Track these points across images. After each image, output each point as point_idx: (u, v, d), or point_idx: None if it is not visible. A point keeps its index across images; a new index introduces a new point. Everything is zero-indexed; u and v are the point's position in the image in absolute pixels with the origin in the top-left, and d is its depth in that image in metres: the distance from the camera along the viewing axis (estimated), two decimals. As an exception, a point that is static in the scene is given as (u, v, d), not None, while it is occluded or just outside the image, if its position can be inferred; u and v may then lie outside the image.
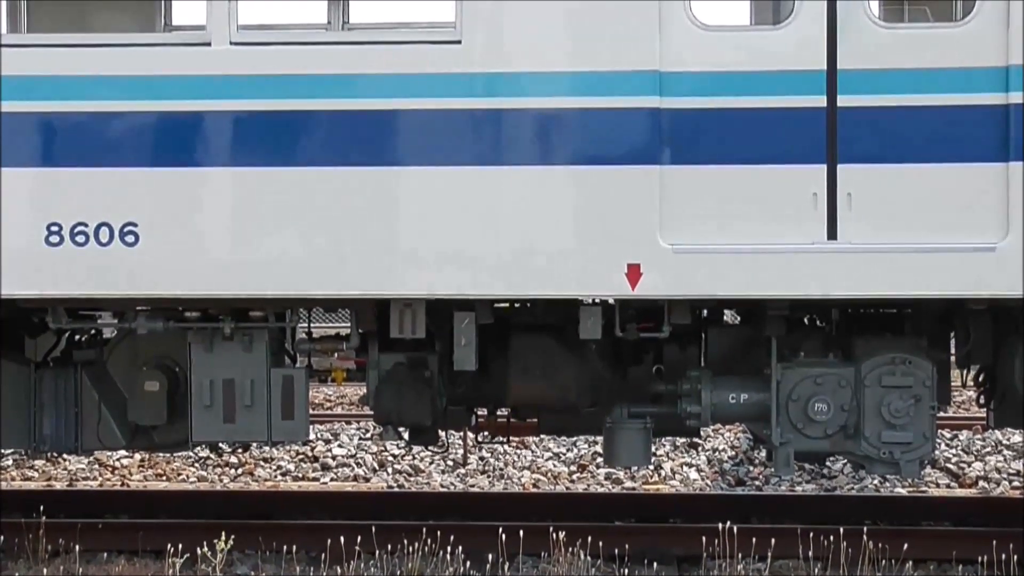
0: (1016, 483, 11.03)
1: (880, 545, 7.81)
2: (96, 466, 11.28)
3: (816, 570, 8.07)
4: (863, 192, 7.09)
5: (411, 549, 7.87)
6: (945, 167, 7.09)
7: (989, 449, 11.89)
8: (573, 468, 11.24)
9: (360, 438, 11.83)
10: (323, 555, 8.01)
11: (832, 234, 7.13)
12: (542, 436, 11.08)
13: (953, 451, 11.74)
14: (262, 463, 11.26)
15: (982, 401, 8.46)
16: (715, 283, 7.12)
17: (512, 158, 7.13)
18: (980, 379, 8.38)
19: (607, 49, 7.08)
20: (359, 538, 7.85)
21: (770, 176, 7.10)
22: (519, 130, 7.13)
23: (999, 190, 7.05)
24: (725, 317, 8.42)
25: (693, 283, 7.11)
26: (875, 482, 10.73)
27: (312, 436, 11.45)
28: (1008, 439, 12.12)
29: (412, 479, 10.87)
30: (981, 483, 11.09)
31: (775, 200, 7.10)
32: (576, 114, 7.10)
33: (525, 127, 7.13)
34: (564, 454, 11.58)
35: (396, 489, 10.52)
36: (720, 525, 7.90)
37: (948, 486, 11.09)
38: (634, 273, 7.12)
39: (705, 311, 8.16)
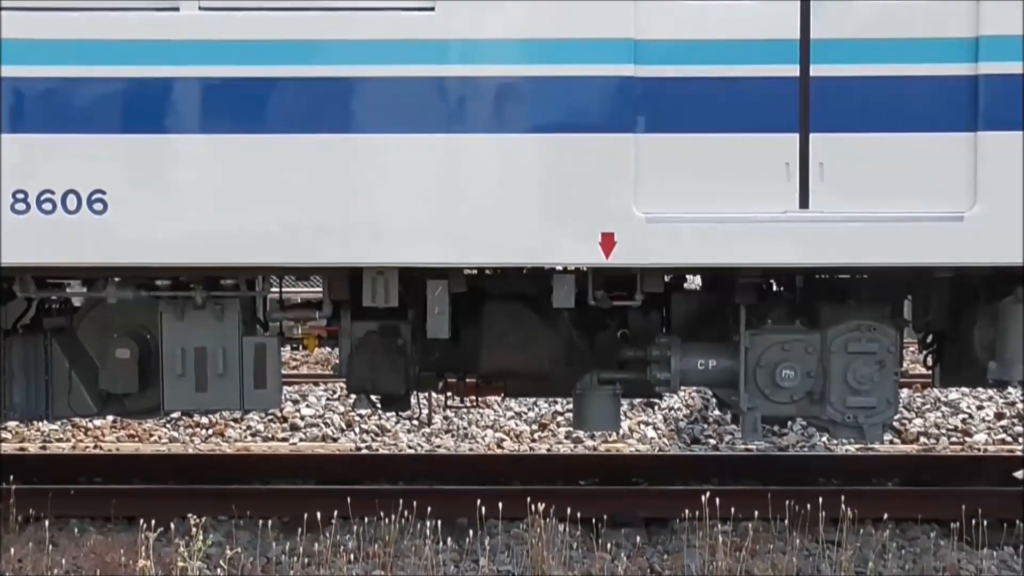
0: (955, 439, 10.79)
1: (853, 510, 7.46)
2: (69, 427, 10.77)
3: (791, 534, 7.73)
4: (835, 161, 6.71)
5: (387, 520, 7.40)
6: (915, 136, 6.71)
7: (929, 406, 11.62)
8: (534, 427, 10.91)
9: (328, 399, 11.43)
10: (300, 529, 7.52)
11: (804, 203, 6.77)
12: (508, 398, 10.71)
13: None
14: (232, 424, 10.81)
15: (929, 362, 8.16)
16: (689, 252, 6.74)
17: (486, 126, 6.70)
18: (930, 342, 8.09)
19: (583, 17, 6.63)
20: (335, 512, 7.36)
21: (744, 145, 6.69)
22: (494, 98, 6.70)
23: (968, 160, 6.70)
24: (687, 284, 8.05)
25: (667, 252, 6.74)
26: (824, 440, 10.49)
27: (284, 398, 11.02)
28: (946, 396, 11.86)
29: (379, 439, 10.50)
30: (922, 439, 10.84)
31: (749, 169, 6.71)
32: (552, 82, 6.67)
33: (500, 95, 6.70)
34: (525, 413, 11.26)
35: (365, 451, 10.11)
36: (688, 487, 7.58)
37: (891, 442, 10.84)
38: (608, 242, 6.73)
39: (669, 277, 7.79)
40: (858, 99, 6.69)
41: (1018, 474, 8.99)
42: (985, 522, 7.67)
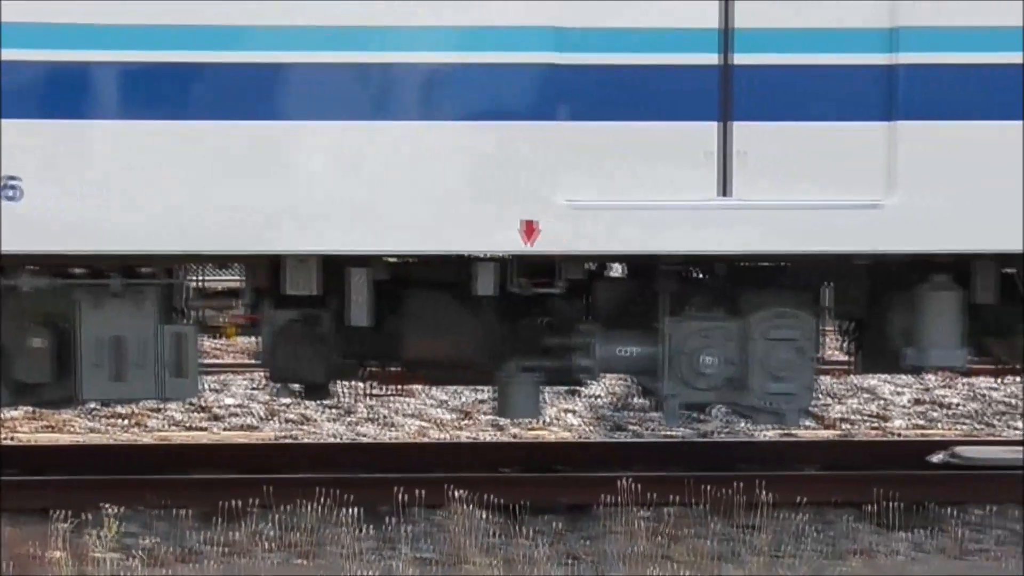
0: (873, 424, 10.88)
1: (771, 495, 7.49)
2: (-17, 418, 10.56)
3: (710, 519, 7.77)
4: (756, 150, 6.74)
5: (307, 508, 7.34)
6: (835, 125, 6.76)
7: (848, 392, 11.69)
8: (458, 416, 10.84)
9: (250, 388, 11.30)
10: (215, 518, 7.42)
11: (725, 191, 6.79)
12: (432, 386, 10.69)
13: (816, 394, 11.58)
14: (152, 414, 10.65)
15: (849, 349, 8.19)
16: (611, 239, 6.76)
17: (407, 113, 6.66)
18: (850, 329, 8.12)
19: (506, 5, 6.60)
20: (255, 501, 7.29)
21: (666, 133, 6.71)
22: (414, 85, 6.67)
23: (886, 149, 6.76)
24: (611, 271, 8.04)
25: (589, 239, 6.75)
26: (745, 426, 10.55)
27: (202, 386, 10.87)
28: (865, 383, 11.95)
29: (302, 428, 10.39)
30: (842, 425, 10.90)
31: (671, 157, 6.72)
32: (473, 69, 6.63)
33: (421, 81, 6.66)
34: (448, 402, 11.19)
35: (288, 440, 10.00)
36: (609, 473, 7.67)
37: (811, 428, 10.90)
38: (530, 229, 6.72)
39: (592, 265, 7.77)
40: (779, 88, 6.72)
41: (933, 458, 9.06)
42: (900, 505, 7.71)
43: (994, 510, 8.06)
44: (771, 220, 6.74)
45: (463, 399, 11.21)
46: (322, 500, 7.43)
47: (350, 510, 7.29)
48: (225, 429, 10.37)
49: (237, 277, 7.65)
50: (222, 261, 7.44)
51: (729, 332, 7.23)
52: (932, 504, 8.03)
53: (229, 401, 10.99)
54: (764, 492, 7.49)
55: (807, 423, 10.86)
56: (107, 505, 6.93)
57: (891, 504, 7.68)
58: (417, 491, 7.66)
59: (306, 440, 9.99)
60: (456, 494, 7.34)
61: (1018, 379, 11.38)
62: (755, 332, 7.22)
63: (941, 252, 6.99)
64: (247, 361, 12.16)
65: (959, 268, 7.28)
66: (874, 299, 7.64)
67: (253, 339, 9.04)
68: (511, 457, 9.12)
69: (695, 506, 7.88)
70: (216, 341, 12.87)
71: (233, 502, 7.50)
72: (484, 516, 7.62)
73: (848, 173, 6.74)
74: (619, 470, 8.45)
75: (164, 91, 6.56)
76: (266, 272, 7.19)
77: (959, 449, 8.97)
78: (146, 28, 6.53)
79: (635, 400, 10.91)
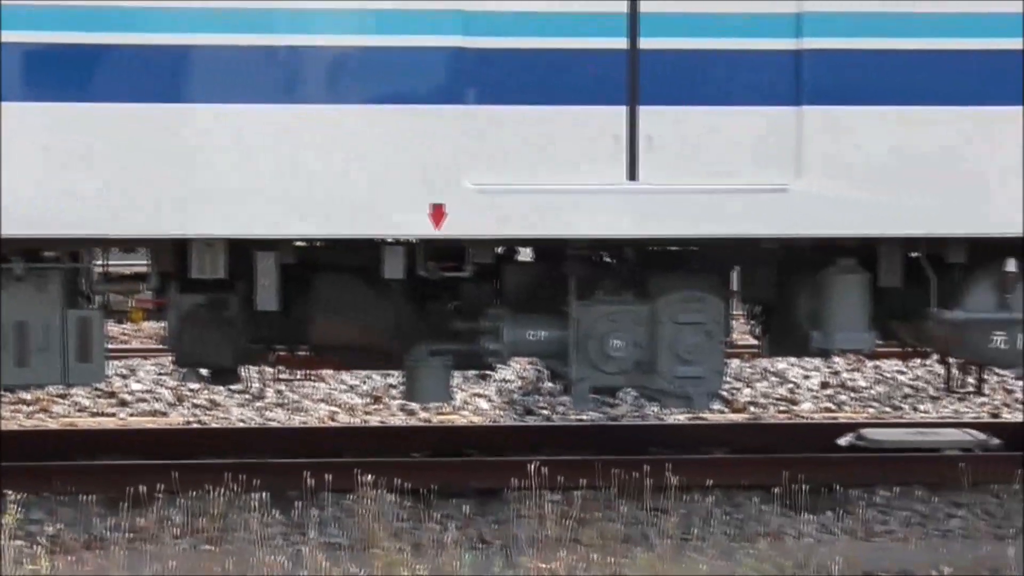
0: (782, 407, 10.99)
1: (680, 478, 7.54)
2: None
3: (620, 503, 7.82)
4: (663, 134, 6.76)
5: (215, 493, 7.27)
6: (742, 110, 6.79)
7: (757, 376, 11.80)
8: (368, 400, 10.80)
9: (158, 373, 11.18)
10: (122, 504, 7.33)
11: (632, 175, 6.80)
12: (341, 371, 10.64)
13: (725, 378, 11.63)
14: (58, 400, 10.50)
15: (757, 333, 8.30)
16: (519, 223, 6.74)
17: (314, 96, 6.60)
18: (758, 313, 8.22)
19: None
20: (162, 486, 7.22)
21: (573, 117, 6.70)
22: (320, 67, 6.61)
23: (792, 133, 6.80)
24: (519, 255, 8.03)
25: (497, 223, 6.74)
26: (655, 410, 10.62)
27: (109, 371, 10.75)
28: (774, 366, 12.06)
29: (210, 413, 10.30)
30: (751, 408, 11.01)
31: (578, 141, 6.72)
32: (380, 52, 6.59)
33: (327, 64, 6.60)
34: (359, 386, 11.15)
35: (196, 425, 9.91)
36: (518, 458, 7.72)
37: (721, 411, 11.00)
38: (438, 213, 6.70)
39: (501, 249, 7.76)
40: (687, 73, 6.73)
41: (840, 441, 9.18)
42: (808, 488, 7.80)
43: (899, 492, 8.17)
44: (678, 204, 6.77)
45: (373, 384, 11.19)
46: (230, 485, 7.36)
47: (258, 495, 7.22)
48: (132, 415, 10.26)
49: (144, 261, 7.55)
50: (127, 245, 7.32)
51: (638, 316, 7.25)
52: (839, 486, 8.12)
53: (136, 387, 10.87)
54: (673, 475, 7.54)
55: (716, 407, 10.98)
56: (9, 492, 6.80)
57: (799, 487, 7.75)
58: (326, 476, 7.62)
59: (215, 425, 9.90)
60: (365, 479, 7.29)
61: (924, 362, 11.56)
62: (664, 316, 7.25)
63: (846, 236, 7.04)
64: (154, 346, 12.05)
65: (865, 252, 7.34)
66: (782, 283, 7.70)
67: (160, 324, 8.99)
68: (421, 442, 9.12)
69: (604, 490, 7.92)
70: (123, 326, 12.74)
71: (140, 488, 7.42)
72: (394, 500, 7.60)
73: (755, 157, 6.78)
74: (529, 454, 8.48)
75: (68, 72, 6.47)
76: (172, 256, 7.11)
77: (866, 432, 9.08)
78: (50, 9, 6.43)
79: (545, 384, 10.96)
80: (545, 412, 10.57)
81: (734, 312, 8.52)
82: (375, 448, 8.91)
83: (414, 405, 10.42)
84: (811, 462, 8.39)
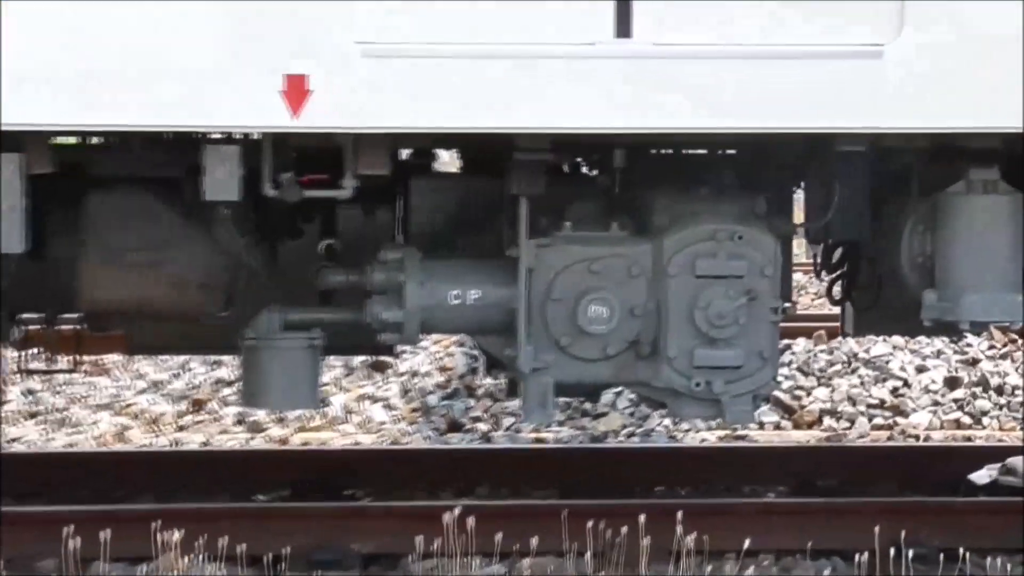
0: (880, 421, 11.22)
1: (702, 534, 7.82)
2: None
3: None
4: None
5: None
6: None
7: (839, 366, 12.01)
8: (182, 406, 11.00)
9: None
10: None
11: (624, 30, 7.00)
12: (134, 356, 10.80)
13: (783, 370, 11.81)
14: None
15: (837, 295, 8.59)
16: (435, 107, 6.93)
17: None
18: (837, 261, 8.53)
19: None
20: None
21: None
22: None
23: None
24: (437, 162, 8.34)
25: (399, 107, 6.91)
26: (663, 423, 10.75)
27: None
28: (866, 350, 12.27)
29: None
30: (827, 421, 11.23)
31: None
32: None
33: None
34: (167, 383, 11.28)
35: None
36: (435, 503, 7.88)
37: (779, 427, 11.19)
38: (297, 90, 6.86)
39: (406, 152, 8.00)
40: None
41: (975, 476, 9.40)
42: (916, 552, 8.03)
43: None
44: (697, 76, 6.97)
45: (192, 377, 11.34)
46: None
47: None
48: None
49: None
50: None
51: (633, 264, 7.45)
52: (966, 551, 8.29)
53: None
54: (689, 532, 7.79)
55: (766, 418, 11.14)
56: None
57: (903, 553, 8.02)
58: (101, 533, 7.83)
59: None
60: (168, 537, 7.53)
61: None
62: (676, 264, 7.44)
63: (979, 130, 7.23)
64: None
65: (1015, 161, 7.55)
66: (876, 212, 7.89)
67: None
68: (272, 475, 9.38)
69: (574, 556, 8.12)
70: None
71: None
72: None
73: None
74: (450, 497, 8.74)
75: None
76: None
77: (1016, 462, 9.36)
78: None
79: (480, 380, 11.08)
80: (480, 427, 10.75)
81: (796, 260, 8.68)
82: (193, 485, 9.11)
83: (260, 414, 10.58)
84: (926, 511, 8.65)
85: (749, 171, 7.81)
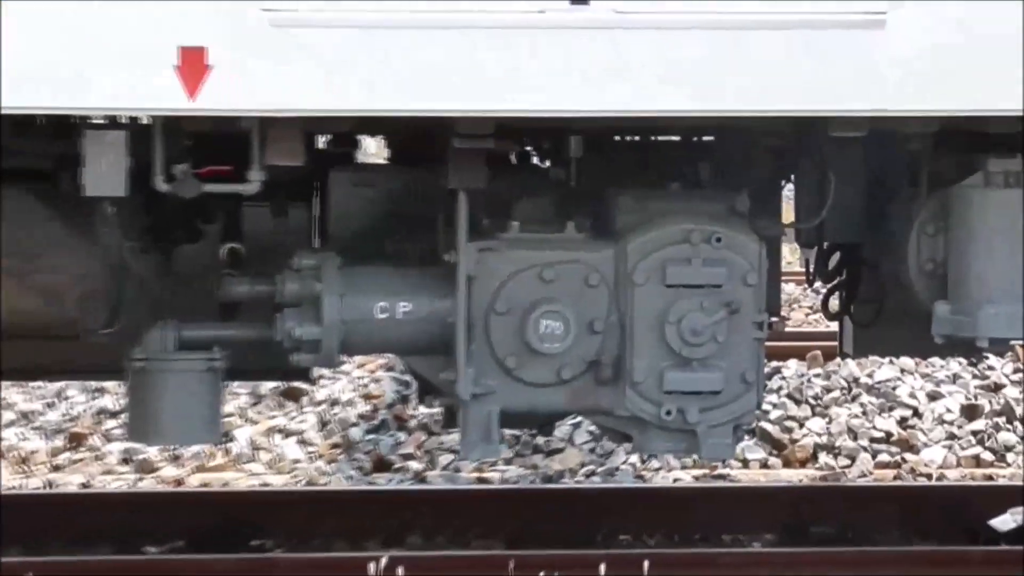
0: (886, 456, 11.26)
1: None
2: None
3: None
4: None
5: None
6: None
7: (837, 392, 12.06)
8: (58, 443, 11.02)
9: None
10: None
11: (582, -7, 7.05)
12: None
13: (771, 397, 11.86)
14: None
15: (834, 308, 8.66)
16: (359, 86, 6.92)
17: None
18: (833, 268, 8.56)
19: None
20: None
21: None
22: None
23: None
24: (360, 151, 8.38)
25: (316, 86, 6.91)
26: (629, 460, 10.79)
27: None
28: (869, 373, 12.31)
29: None
30: (822, 457, 11.27)
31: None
32: None
33: None
34: (39, 414, 11.32)
35: None
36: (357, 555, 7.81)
37: (766, 464, 11.22)
38: (194, 65, 6.85)
39: (323, 140, 8.07)
40: None
41: (997, 523, 9.45)
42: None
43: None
44: (668, 49, 6.98)
45: (71, 408, 11.30)
46: None
47: None
48: None
49: None
50: None
51: (592, 270, 7.47)
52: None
53: None
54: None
55: (751, 454, 11.20)
56: None
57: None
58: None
59: None
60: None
61: None
62: (642, 271, 7.46)
63: (999, 113, 7.18)
64: None
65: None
66: (877, 209, 7.96)
67: None
68: (164, 521, 9.33)
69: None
70: None
71: None
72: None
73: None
74: (377, 548, 8.80)
75: None
76: None
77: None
78: None
79: (411, 408, 11.12)
80: (413, 465, 10.75)
81: (785, 267, 8.71)
82: (71, 534, 9.11)
83: (150, 450, 10.57)
84: (938, 562, 8.67)
85: (729, 162, 7.85)
